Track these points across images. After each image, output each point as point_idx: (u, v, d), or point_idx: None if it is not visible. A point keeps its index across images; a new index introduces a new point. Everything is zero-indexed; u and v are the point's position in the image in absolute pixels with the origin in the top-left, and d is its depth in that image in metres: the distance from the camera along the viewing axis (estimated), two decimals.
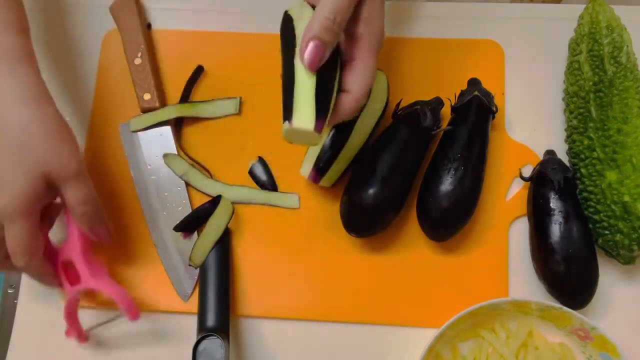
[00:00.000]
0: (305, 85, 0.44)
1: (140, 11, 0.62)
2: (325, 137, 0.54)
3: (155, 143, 0.59)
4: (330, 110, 0.45)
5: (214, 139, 0.60)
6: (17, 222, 0.46)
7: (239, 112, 0.61)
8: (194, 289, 0.56)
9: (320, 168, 0.54)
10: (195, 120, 0.61)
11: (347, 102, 0.46)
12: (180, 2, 0.65)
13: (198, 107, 0.60)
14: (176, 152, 0.59)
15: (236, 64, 0.62)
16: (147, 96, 0.59)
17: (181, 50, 0.63)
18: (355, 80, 0.46)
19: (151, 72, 0.60)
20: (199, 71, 0.61)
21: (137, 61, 0.60)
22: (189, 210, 0.58)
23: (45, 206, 0.50)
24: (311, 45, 0.43)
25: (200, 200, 0.58)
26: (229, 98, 0.61)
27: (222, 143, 0.60)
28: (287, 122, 0.43)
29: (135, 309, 0.51)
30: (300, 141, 0.46)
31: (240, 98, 0.61)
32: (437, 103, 0.57)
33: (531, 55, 0.62)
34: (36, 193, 0.47)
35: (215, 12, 0.64)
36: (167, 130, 0.59)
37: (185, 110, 0.60)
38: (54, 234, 0.55)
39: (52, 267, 0.52)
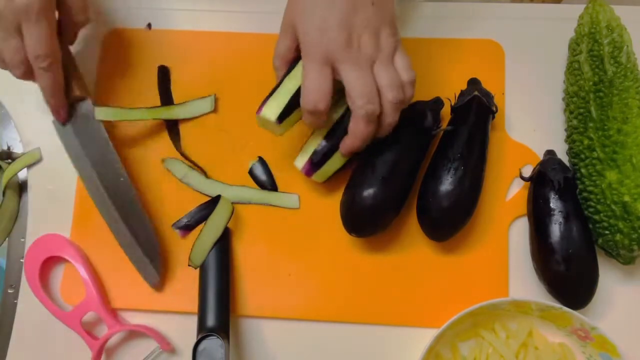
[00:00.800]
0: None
1: None
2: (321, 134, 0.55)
3: (88, 135, 0.58)
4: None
5: (213, 139, 0.60)
6: (39, 20, 0.50)
7: (217, 111, 0.61)
8: (163, 274, 0.56)
9: (315, 163, 0.54)
10: (192, 120, 0.61)
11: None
12: (181, 2, 0.65)
13: (173, 109, 0.60)
14: (111, 145, 0.57)
15: (237, 63, 0.62)
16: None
17: (181, 50, 0.63)
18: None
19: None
20: (164, 72, 0.62)
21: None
22: (132, 191, 0.57)
23: (59, 21, 0.54)
24: None
25: (197, 201, 0.58)
26: (203, 98, 0.61)
27: (222, 143, 0.60)
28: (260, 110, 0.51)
29: (164, 338, 0.55)
30: (268, 128, 0.53)
31: (215, 95, 0.61)
32: (438, 103, 0.57)
33: (531, 55, 0.62)
34: None
35: (216, 12, 0.64)
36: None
37: (159, 113, 0.60)
38: (69, 296, 0.56)
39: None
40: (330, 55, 0.48)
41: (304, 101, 0.49)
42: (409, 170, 0.54)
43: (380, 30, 0.50)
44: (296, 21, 0.50)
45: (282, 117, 0.51)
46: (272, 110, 0.51)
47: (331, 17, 0.48)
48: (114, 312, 0.56)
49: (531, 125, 0.60)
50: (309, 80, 0.49)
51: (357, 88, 0.48)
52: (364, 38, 0.49)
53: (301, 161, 0.55)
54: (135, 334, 0.56)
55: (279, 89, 0.52)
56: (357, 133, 0.50)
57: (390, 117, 0.51)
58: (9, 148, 0.61)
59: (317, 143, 0.54)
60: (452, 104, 0.57)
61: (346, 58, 0.48)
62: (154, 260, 0.56)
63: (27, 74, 0.53)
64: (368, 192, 0.52)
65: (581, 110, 0.55)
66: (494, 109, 0.56)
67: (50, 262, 0.57)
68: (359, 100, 0.49)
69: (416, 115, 0.55)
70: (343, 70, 0.49)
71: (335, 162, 0.55)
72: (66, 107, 0.57)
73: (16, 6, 0.49)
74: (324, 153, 0.54)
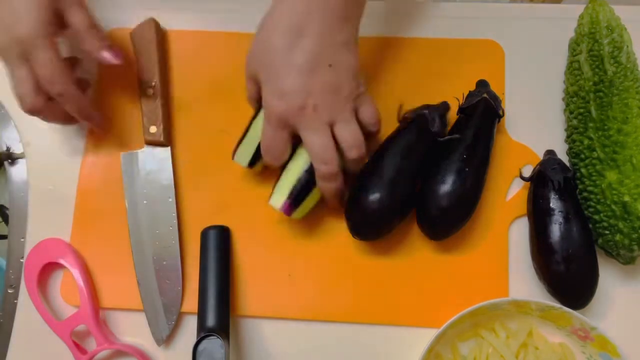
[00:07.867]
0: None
1: (162, 40, 0.62)
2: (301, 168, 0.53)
3: (155, 178, 0.58)
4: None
5: (213, 138, 0.60)
6: (43, 46, 0.50)
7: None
8: (170, 334, 0.55)
9: (294, 201, 0.53)
10: (191, 120, 0.61)
11: None
12: (181, 2, 0.65)
13: None
14: (174, 189, 0.58)
15: (237, 63, 0.62)
16: (152, 129, 0.58)
17: (181, 50, 0.63)
18: None
19: (161, 106, 0.59)
20: None
21: (149, 92, 0.59)
22: (176, 251, 0.56)
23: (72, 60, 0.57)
24: None
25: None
26: None
27: (222, 143, 0.60)
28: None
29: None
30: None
31: None
32: (445, 107, 0.56)
33: (531, 55, 0.62)
34: (49, 18, 0.51)
35: (216, 12, 0.64)
36: (168, 165, 0.59)
37: None
38: (61, 306, 0.56)
39: (87, 101, 0.55)
40: (286, 120, 0.50)
41: (264, 156, 0.53)
42: (415, 174, 0.54)
43: (340, 89, 0.50)
44: (258, 77, 0.52)
45: (252, 163, 0.55)
46: (243, 157, 0.55)
47: (288, 81, 0.49)
48: (105, 328, 0.56)
49: (531, 125, 0.60)
50: (265, 139, 0.52)
51: (314, 150, 0.50)
52: (321, 101, 0.49)
53: (278, 200, 0.53)
54: (123, 353, 0.56)
55: (247, 135, 0.55)
56: (323, 189, 0.53)
57: (354, 169, 0.53)
58: (8, 148, 0.61)
59: (294, 180, 0.52)
60: (460, 104, 0.57)
61: (302, 123, 0.50)
62: (169, 318, 0.55)
63: (40, 104, 0.52)
64: (375, 196, 0.51)
65: (581, 110, 0.55)
66: (501, 112, 0.56)
67: (50, 266, 0.57)
68: (315, 162, 0.51)
69: (424, 120, 0.55)
70: (301, 134, 0.50)
71: (314, 197, 0.54)
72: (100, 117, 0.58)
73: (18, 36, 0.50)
74: (301, 189, 0.53)
